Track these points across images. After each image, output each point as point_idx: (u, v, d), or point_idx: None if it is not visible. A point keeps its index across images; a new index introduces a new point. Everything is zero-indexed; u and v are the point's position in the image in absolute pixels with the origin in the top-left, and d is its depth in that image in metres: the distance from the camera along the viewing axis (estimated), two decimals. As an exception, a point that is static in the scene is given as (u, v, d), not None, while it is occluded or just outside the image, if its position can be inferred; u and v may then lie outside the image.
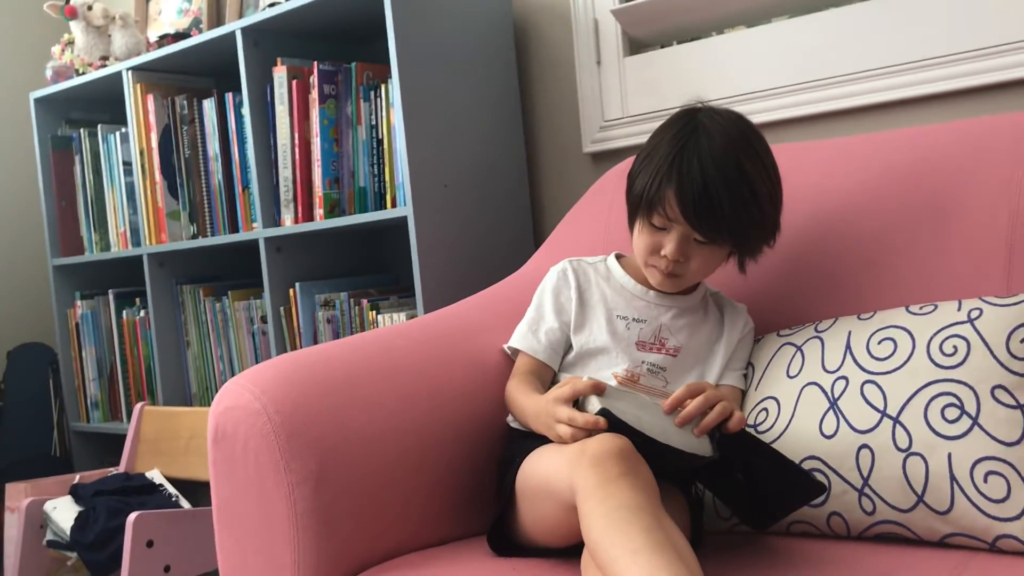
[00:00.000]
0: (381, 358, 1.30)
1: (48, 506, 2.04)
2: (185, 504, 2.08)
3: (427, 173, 1.86)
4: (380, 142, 1.94)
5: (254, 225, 2.15)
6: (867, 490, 1.10)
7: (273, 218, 2.09)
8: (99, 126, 2.51)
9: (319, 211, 2.00)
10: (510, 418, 1.30)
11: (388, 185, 1.93)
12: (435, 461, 1.24)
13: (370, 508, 1.16)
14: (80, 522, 1.97)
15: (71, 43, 2.54)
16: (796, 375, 1.22)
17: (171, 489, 2.12)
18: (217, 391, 2.30)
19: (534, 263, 1.67)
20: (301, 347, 2.08)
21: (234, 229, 2.22)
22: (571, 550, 1.06)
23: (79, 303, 2.59)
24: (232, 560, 1.19)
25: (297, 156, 2.02)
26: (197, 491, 2.14)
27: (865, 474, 1.10)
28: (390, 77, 1.86)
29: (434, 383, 1.30)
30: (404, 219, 1.85)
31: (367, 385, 1.23)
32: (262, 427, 1.12)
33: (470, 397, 1.32)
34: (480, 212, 1.95)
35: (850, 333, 1.21)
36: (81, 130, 2.56)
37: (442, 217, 1.88)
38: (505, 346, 1.37)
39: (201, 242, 2.26)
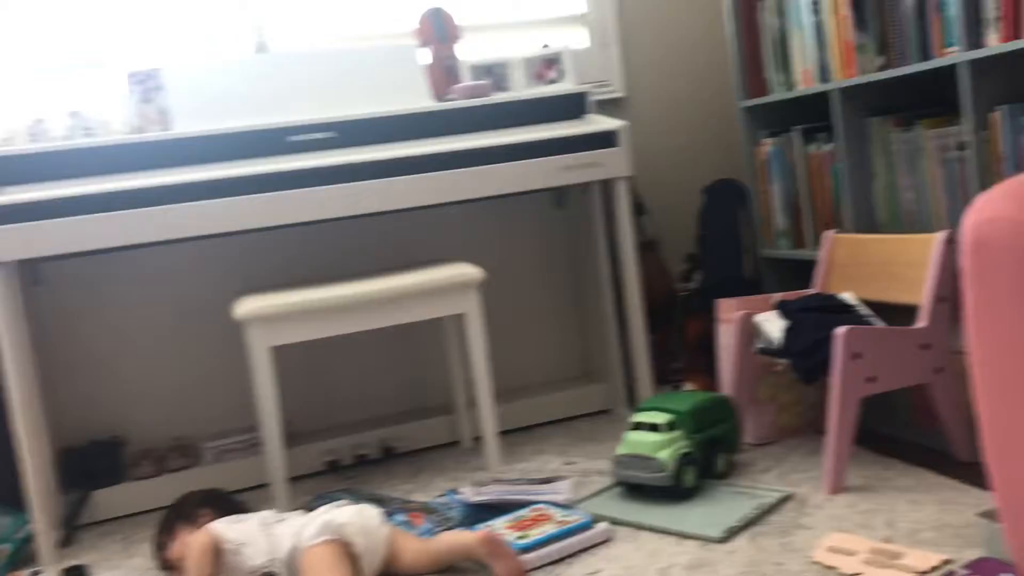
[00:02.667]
0: None
1: (759, 318, 2.33)
2: (879, 323, 2.21)
3: None
4: (1111, -59, 1.75)
5: (949, 50, 2.11)
6: None
7: (973, 39, 2.03)
8: (783, -30, 2.65)
9: (1031, 27, 1.90)
10: None
11: (1120, -11, 1.75)
12: None
13: None
14: (789, 333, 2.22)
15: None
16: None
17: (865, 309, 2.27)
18: (903, 220, 2.36)
19: None
20: (1003, 174, 2.03)
21: (925, 56, 2.21)
22: None
23: (766, 141, 2.82)
24: (986, 361, 1.27)
25: (1006, -30, 1.92)
26: (888, 312, 2.25)
27: None
28: None
29: None
30: None
31: None
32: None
33: None
34: None
35: None
36: (766, -24, 2.72)
37: None
38: None
39: (889, 73, 2.29)
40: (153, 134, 2.47)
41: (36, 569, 2.18)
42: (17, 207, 2.19)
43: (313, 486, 2.49)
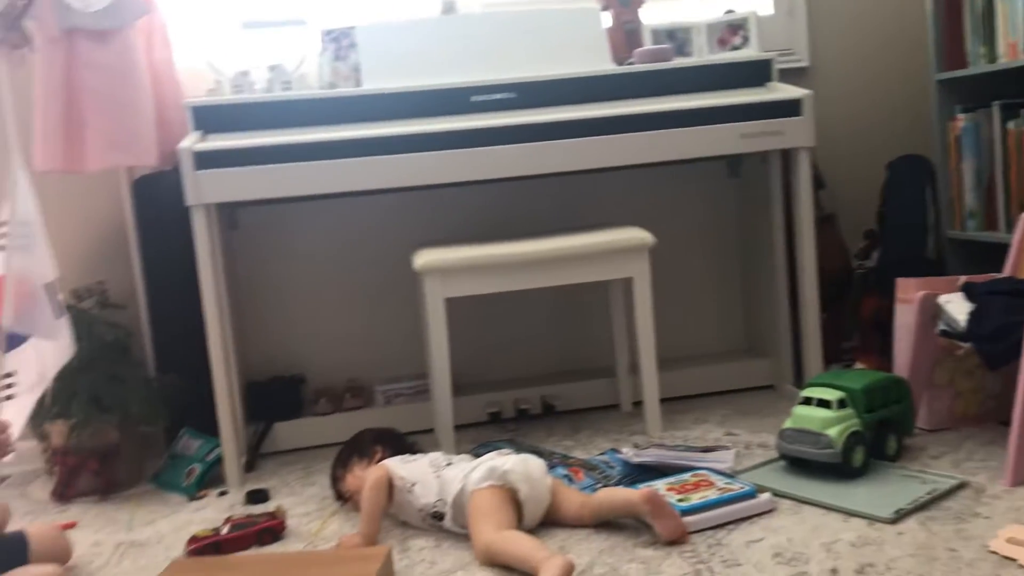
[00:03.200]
0: None
1: (942, 299, 2.23)
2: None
3: None
4: None
5: None
6: None
7: None
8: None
9: None
10: None
11: None
12: None
13: None
14: (975, 316, 2.12)
15: None
16: None
17: (1062, 298, 2.14)
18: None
19: None
20: None
21: None
22: None
23: (960, 116, 2.68)
24: None
25: None
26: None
27: None
28: None
29: None
30: None
31: None
32: None
33: None
34: None
35: None
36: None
37: None
38: None
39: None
40: (345, 90, 2.58)
41: (223, 489, 2.36)
42: (220, 153, 2.34)
43: (475, 435, 2.58)
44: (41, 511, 2.34)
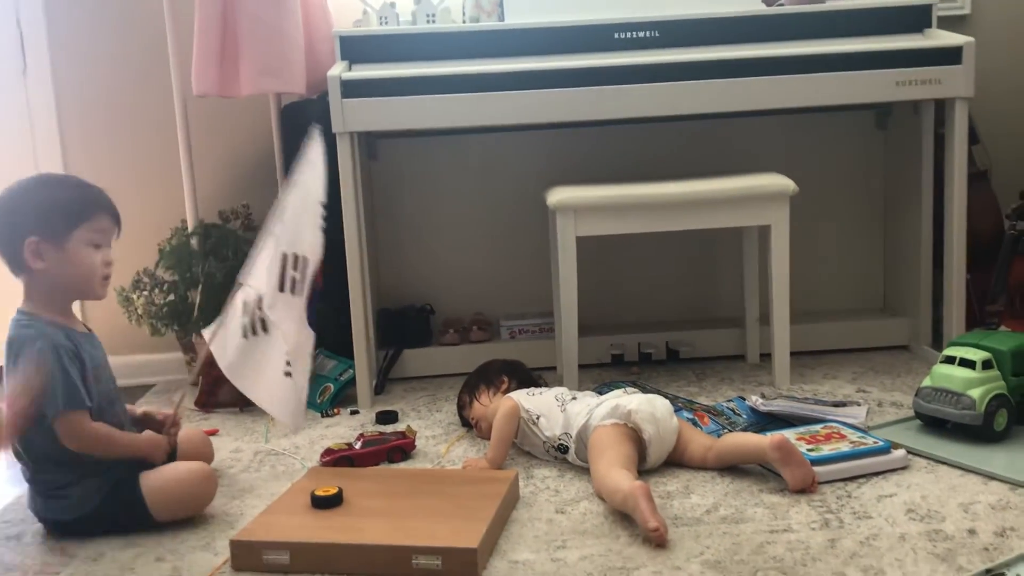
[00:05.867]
0: None
1: (1105, 264, 2.11)
2: None
3: None
4: None
5: None
6: None
7: None
8: None
9: None
10: None
11: None
12: None
13: None
14: None
15: None
16: None
17: None
18: None
19: None
20: None
21: None
22: None
23: None
24: None
25: None
26: None
27: None
28: None
29: None
30: None
31: None
32: None
33: None
34: None
35: None
36: None
37: None
38: None
39: None
40: (488, 24, 2.59)
41: (354, 408, 2.44)
42: (366, 82, 2.38)
43: (597, 376, 2.59)
44: (185, 419, 2.47)
